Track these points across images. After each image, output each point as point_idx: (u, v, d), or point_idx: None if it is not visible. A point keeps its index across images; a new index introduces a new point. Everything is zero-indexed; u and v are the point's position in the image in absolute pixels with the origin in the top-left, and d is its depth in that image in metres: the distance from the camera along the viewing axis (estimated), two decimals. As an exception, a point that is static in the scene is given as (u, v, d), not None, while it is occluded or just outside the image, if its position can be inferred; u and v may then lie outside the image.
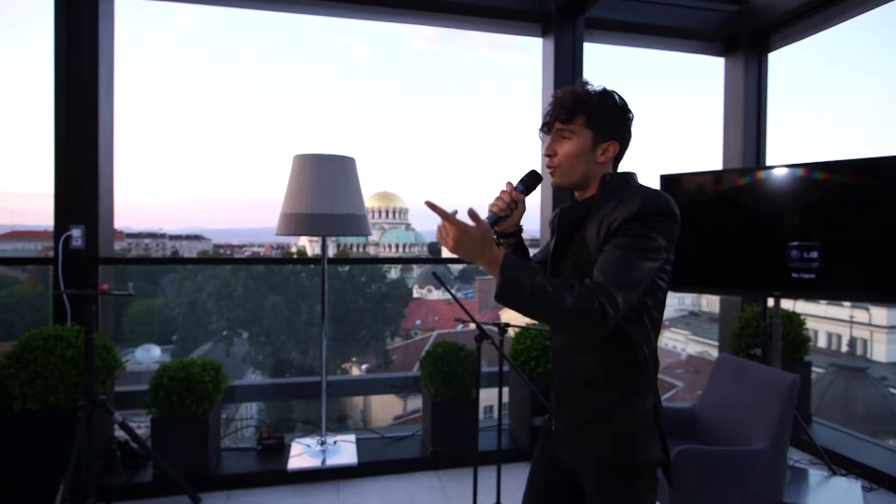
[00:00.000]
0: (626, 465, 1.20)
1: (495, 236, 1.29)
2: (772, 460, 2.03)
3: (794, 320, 3.65)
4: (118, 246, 3.11)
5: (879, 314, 14.81)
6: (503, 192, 1.30)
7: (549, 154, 1.25)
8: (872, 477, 2.92)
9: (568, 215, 1.27)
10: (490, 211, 1.28)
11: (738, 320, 3.72)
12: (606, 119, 1.21)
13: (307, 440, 3.12)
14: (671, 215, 1.13)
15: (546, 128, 1.26)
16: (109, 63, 3.11)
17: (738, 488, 2.03)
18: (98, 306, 2.92)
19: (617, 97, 1.23)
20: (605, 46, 3.94)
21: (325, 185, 2.85)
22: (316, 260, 3.30)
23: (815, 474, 2.89)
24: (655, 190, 1.18)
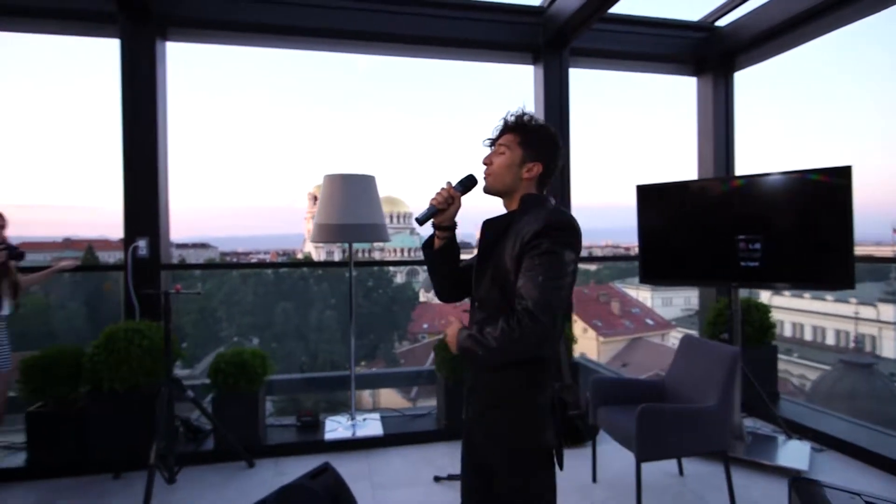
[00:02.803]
0: (522, 448, 1.37)
1: (433, 229, 1.53)
2: (719, 416, 2.54)
3: (761, 309, 4.17)
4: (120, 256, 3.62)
5: (887, 311, 14.94)
6: (443, 188, 1.49)
7: (487, 163, 1.47)
8: (825, 441, 3.42)
9: (492, 225, 1.44)
10: (430, 204, 1.48)
11: (712, 310, 4.24)
12: (536, 144, 1.43)
13: (339, 417, 3.65)
14: (571, 228, 1.33)
15: (490, 142, 1.50)
16: (164, 98, 3.65)
17: (692, 439, 2.53)
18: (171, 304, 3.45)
19: (552, 130, 1.47)
20: (589, 71, 4.48)
21: (351, 200, 3.38)
22: (344, 263, 3.83)
23: (773, 438, 3.40)
24: (559, 208, 1.39)
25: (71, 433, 3.04)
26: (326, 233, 3.33)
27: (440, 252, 1.54)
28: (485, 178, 1.48)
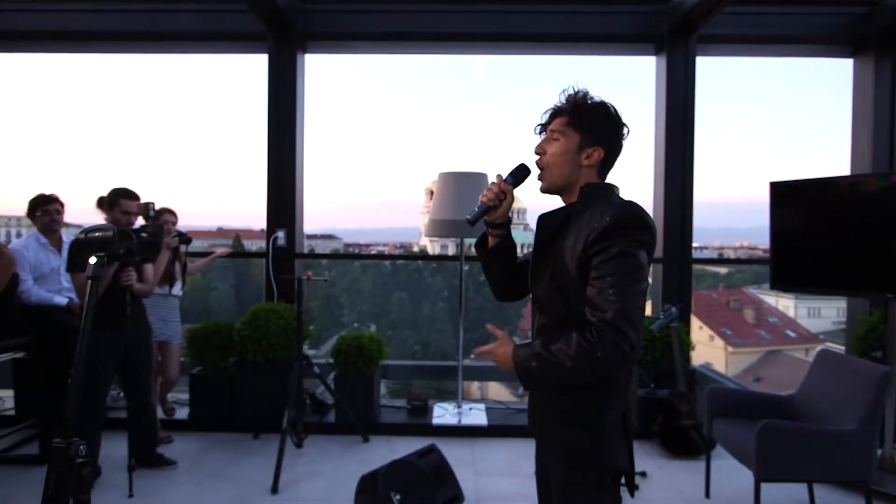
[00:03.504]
0: (592, 470, 1.23)
1: (486, 226, 1.40)
2: (861, 442, 2.26)
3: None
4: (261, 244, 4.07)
5: None
6: (493, 183, 1.35)
7: (539, 153, 1.30)
8: None
9: (548, 220, 1.29)
10: (480, 202, 1.34)
11: (863, 324, 3.72)
12: (595, 125, 1.25)
13: (446, 404, 3.83)
14: (645, 226, 1.16)
15: (541, 128, 1.32)
16: (302, 105, 4.08)
17: (825, 464, 2.28)
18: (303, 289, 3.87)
19: (611, 109, 1.28)
20: (720, 59, 4.15)
21: (463, 196, 3.51)
22: (456, 257, 4.01)
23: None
24: (629, 201, 1.22)
25: (222, 395, 3.56)
26: (439, 227, 3.51)
27: (495, 251, 1.41)
28: (539, 173, 1.31)
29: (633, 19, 3.97)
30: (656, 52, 4.03)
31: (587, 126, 1.25)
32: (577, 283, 1.18)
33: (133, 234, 2.76)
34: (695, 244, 4.10)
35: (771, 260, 3.30)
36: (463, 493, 2.68)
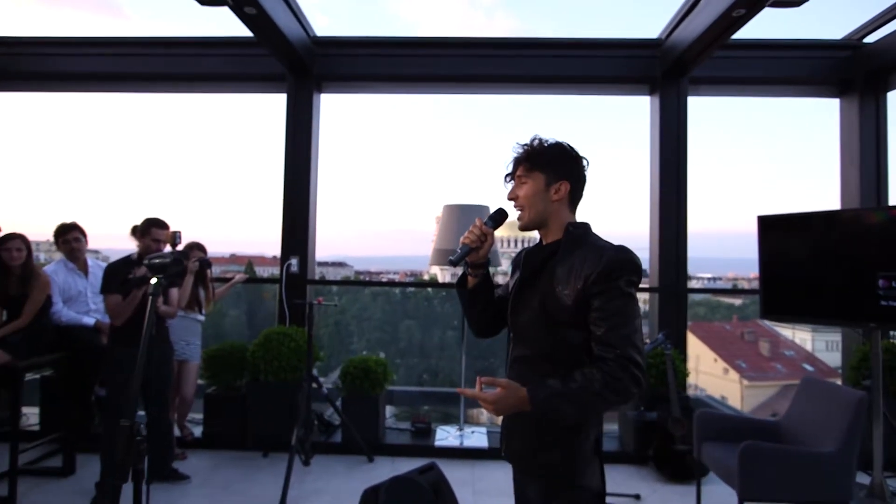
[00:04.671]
0: (567, 489, 1.30)
1: (466, 266, 1.47)
2: (840, 464, 2.36)
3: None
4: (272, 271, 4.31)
5: None
6: (474, 226, 1.44)
7: (513, 198, 1.42)
8: None
9: (534, 256, 1.42)
10: (462, 243, 1.44)
11: (857, 354, 3.82)
12: (555, 163, 1.38)
13: (448, 427, 3.96)
14: (637, 268, 1.28)
15: (509, 177, 1.45)
16: (317, 140, 4.36)
17: (806, 485, 2.38)
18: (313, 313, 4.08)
19: (566, 146, 1.40)
20: (710, 99, 4.38)
21: (465, 227, 3.71)
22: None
23: (927, 503, 2.98)
24: (620, 245, 1.32)
25: (234, 414, 3.73)
26: (444, 257, 3.71)
27: (475, 290, 1.50)
28: (518, 218, 1.43)
29: (629, 63, 4.24)
30: (650, 93, 4.27)
31: (549, 165, 1.38)
32: (570, 315, 1.28)
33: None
34: (708, 275, 4.24)
35: (760, 290, 3.44)
36: (461, 511, 2.80)
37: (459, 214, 3.77)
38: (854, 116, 4.13)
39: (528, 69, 4.26)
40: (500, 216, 1.48)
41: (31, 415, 3.96)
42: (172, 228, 3.14)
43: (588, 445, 1.32)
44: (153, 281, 1.71)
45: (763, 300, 3.41)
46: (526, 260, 1.44)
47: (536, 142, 1.41)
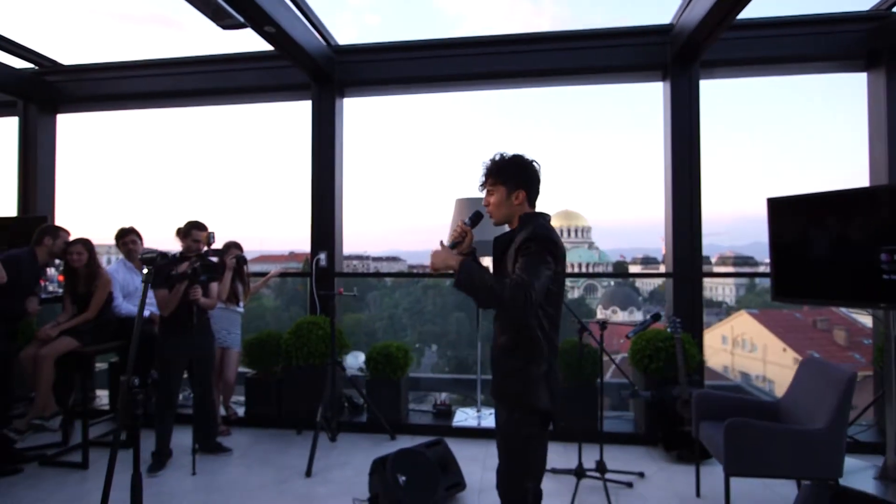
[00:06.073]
0: (522, 406, 1.75)
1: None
2: (830, 441, 2.38)
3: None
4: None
5: None
6: (457, 226, 1.90)
7: (486, 204, 1.88)
8: None
9: (500, 242, 1.86)
10: (450, 239, 1.89)
11: (881, 336, 3.70)
12: (513, 176, 1.82)
13: (467, 409, 4.18)
14: (549, 240, 1.69)
15: (482, 186, 1.90)
16: (341, 143, 4.67)
17: (795, 461, 2.42)
18: (335, 303, 4.41)
19: (522, 158, 1.84)
20: (727, 81, 4.32)
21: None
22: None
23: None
24: (543, 224, 1.76)
25: (271, 396, 4.12)
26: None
27: None
28: (489, 215, 1.90)
29: (639, 51, 4.25)
30: (662, 79, 4.27)
31: (509, 179, 1.83)
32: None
33: (202, 257, 3.44)
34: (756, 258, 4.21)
35: (771, 272, 3.42)
36: (465, 482, 3.02)
37: (470, 207, 3.94)
38: (881, 90, 3.96)
39: (542, 63, 4.34)
40: (477, 217, 1.92)
41: (103, 396, 4.54)
42: (209, 230, 3.55)
43: (538, 375, 1.74)
44: (145, 270, 2.03)
45: (774, 282, 3.39)
46: (495, 245, 1.89)
47: (499, 157, 1.86)
